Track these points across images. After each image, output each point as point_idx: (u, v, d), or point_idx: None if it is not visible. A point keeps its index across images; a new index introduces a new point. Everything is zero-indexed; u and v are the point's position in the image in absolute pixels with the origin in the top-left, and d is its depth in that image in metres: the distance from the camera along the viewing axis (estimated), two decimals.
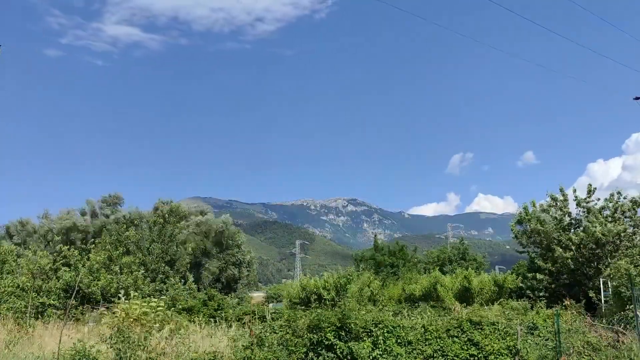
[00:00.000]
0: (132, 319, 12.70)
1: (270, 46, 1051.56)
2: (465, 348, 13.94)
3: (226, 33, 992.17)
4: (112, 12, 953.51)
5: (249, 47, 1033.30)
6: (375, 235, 55.73)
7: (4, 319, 16.36)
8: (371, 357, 12.97)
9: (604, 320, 17.50)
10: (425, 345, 13.83)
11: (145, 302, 14.37)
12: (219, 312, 25.20)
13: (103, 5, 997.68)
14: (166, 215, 42.51)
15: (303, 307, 21.25)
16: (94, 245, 30.77)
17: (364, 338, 13.20)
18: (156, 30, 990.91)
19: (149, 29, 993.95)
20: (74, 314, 20.65)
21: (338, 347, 12.78)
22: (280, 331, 13.46)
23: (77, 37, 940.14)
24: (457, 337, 14.18)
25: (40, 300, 20.79)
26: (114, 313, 13.89)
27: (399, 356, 13.27)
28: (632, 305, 16.15)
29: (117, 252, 28.63)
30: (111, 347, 11.60)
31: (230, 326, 19.75)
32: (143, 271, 28.83)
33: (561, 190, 30.98)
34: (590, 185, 30.32)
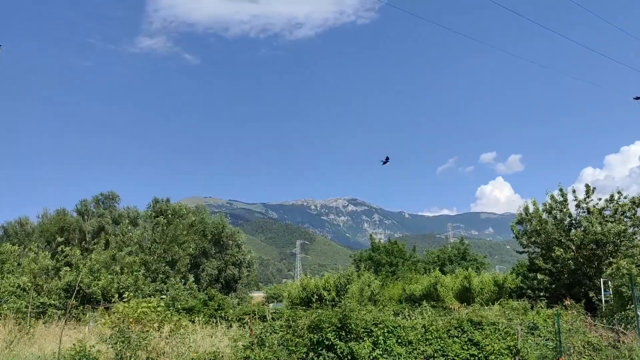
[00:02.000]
0: (131, 319, 12.70)
1: (286, 51, 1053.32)
2: (466, 348, 13.93)
3: (259, 39, 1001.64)
4: (150, 21, 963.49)
5: (275, 52, 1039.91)
6: (371, 235, 55.53)
7: (4, 319, 16.36)
8: (371, 357, 12.96)
9: (604, 320, 17.49)
10: (426, 345, 13.82)
11: (144, 302, 14.36)
12: (219, 312, 25.22)
13: (142, 15, 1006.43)
14: (170, 215, 42.58)
15: (304, 308, 21.23)
16: (95, 245, 30.83)
17: (365, 338, 13.19)
18: (193, 37, 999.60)
19: (185, 36, 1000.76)
20: (75, 314, 20.66)
21: (338, 347, 12.77)
22: (281, 331, 13.45)
23: (109, 49, 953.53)
24: (457, 337, 14.18)
25: (41, 300, 20.80)
26: (114, 313, 13.88)
27: (399, 356, 13.26)
28: (633, 305, 16.15)
29: (120, 252, 28.68)
30: (111, 347, 11.61)
31: (231, 326, 19.77)
32: (144, 271, 28.86)
33: (560, 190, 30.93)
34: (589, 186, 30.27)
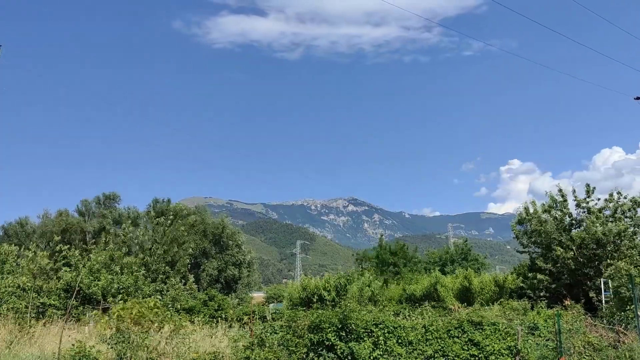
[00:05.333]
0: (130, 320, 12.68)
1: (300, 55, 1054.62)
2: (466, 348, 13.91)
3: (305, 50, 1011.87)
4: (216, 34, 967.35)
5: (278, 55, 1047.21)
6: (381, 235, 55.32)
7: (4, 319, 16.35)
8: (372, 358, 12.95)
9: (604, 321, 17.48)
10: (426, 345, 13.81)
11: (143, 302, 14.35)
12: (219, 312, 25.25)
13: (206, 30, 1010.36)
14: (170, 215, 42.54)
15: (304, 308, 21.24)
16: (95, 245, 30.80)
17: (365, 338, 13.17)
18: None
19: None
20: (75, 314, 20.64)
21: (339, 347, 12.76)
22: (281, 331, 13.44)
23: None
24: (457, 337, 14.16)
25: (40, 301, 20.76)
26: (113, 313, 13.86)
27: (399, 356, 13.25)
28: (633, 306, 16.14)
29: (119, 252, 28.64)
30: (111, 347, 11.60)
31: (231, 326, 19.77)
32: (144, 271, 28.83)
33: (560, 190, 30.91)
34: (589, 186, 30.26)
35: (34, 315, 19.02)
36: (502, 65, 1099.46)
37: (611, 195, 29.51)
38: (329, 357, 12.72)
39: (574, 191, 30.67)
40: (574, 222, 30.21)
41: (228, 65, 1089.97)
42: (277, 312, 25.23)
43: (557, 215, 30.47)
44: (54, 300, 21.20)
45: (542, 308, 20.68)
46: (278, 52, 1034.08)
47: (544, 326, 15.75)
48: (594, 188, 30.06)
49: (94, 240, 40.39)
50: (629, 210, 28.93)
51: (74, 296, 20.43)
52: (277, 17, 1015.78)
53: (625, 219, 28.90)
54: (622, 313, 17.57)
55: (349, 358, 12.76)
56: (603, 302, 23.46)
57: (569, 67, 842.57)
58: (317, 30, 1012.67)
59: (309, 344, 12.87)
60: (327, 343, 12.82)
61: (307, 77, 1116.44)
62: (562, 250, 28.40)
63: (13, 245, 36.09)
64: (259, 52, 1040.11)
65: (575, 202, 30.21)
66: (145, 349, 11.68)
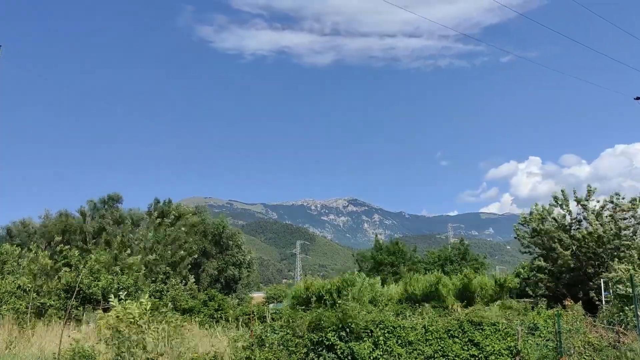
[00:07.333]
0: (130, 320, 12.67)
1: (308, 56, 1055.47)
2: (466, 348, 13.91)
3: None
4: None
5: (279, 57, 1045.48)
6: (376, 235, 55.49)
7: (4, 320, 16.36)
8: (372, 358, 12.94)
9: (604, 321, 17.47)
10: (426, 345, 13.81)
11: (142, 302, 14.33)
12: (219, 312, 25.27)
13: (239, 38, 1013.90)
14: (172, 216, 42.62)
15: (304, 308, 21.23)
16: (95, 245, 30.83)
17: (365, 338, 13.17)
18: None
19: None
20: (75, 314, 20.65)
21: (339, 347, 12.75)
22: (281, 331, 13.43)
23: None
24: (457, 337, 14.16)
25: (40, 301, 20.78)
26: (112, 314, 13.84)
27: (399, 356, 13.25)
28: (633, 306, 16.14)
29: (121, 253, 28.68)
30: (110, 347, 11.59)
31: (231, 326, 19.77)
32: (144, 272, 28.87)
33: (562, 190, 31.02)
34: (590, 186, 30.36)
35: (34, 315, 19.04)
36: (502, 69, 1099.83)
37: (611, 196, 29.62)
38: (328, 357, 12.71)
39: (574, 191, 30.77)
40: (574, 221, 30.29)
41: (231, 67, 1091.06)
42: (277, 312, 25.22)
43: (558, 215, 30.57)
44: (54, 301, 21.22)
45: (542, 308, 20.70)
46: (304, 57, 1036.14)
47: (544, 326, 15.73)
48: (595, 189, 30.14)
49: (94, 241, 40.44)
50: (628, 210, 29.01)
51: (73, 296, 20.43)
52: (311, 28, 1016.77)
53: (625, 219, 28.99)
54: (622, 313, 17.57)
55: (349, 358, 12.75)
56: (603, 302, 23.47)
57: (569, 67, 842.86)
58: (347, 40, 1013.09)
59: (308, 344, 12.87)
60: (327, 343, 12.81)
61: (308, 79, 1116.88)
62: (562, 249, 28.44)
63: (15, 245, 36.16)
64: (288, 57, 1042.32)
65: (576, 202, 30.30)
66: (144, 348, 11.67)
